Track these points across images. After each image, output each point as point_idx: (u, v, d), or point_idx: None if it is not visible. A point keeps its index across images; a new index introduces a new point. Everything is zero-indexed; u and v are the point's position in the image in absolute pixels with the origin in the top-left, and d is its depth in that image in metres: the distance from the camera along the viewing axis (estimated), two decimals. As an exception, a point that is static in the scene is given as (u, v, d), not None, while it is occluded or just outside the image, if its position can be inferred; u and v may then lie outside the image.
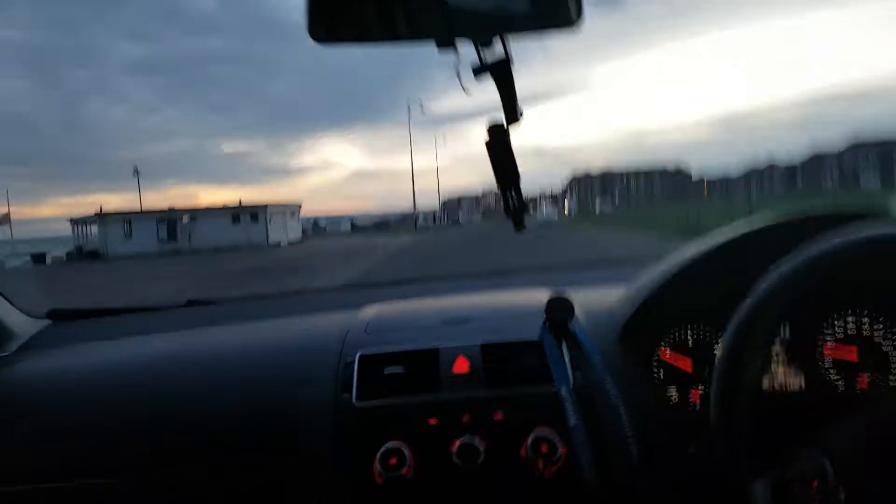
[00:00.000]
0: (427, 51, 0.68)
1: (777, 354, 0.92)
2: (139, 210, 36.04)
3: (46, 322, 1.29)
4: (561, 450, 0.83)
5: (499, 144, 0.75)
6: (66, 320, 1.33)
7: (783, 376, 0.92)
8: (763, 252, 0.75)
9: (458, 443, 0.84)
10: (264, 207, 34.66)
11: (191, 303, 1.41)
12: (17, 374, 1.05)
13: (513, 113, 0.74)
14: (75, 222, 35.45)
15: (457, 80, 0.70)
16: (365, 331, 1.01)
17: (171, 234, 32.70)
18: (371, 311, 1.09)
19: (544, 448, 0.84)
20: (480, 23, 0.69)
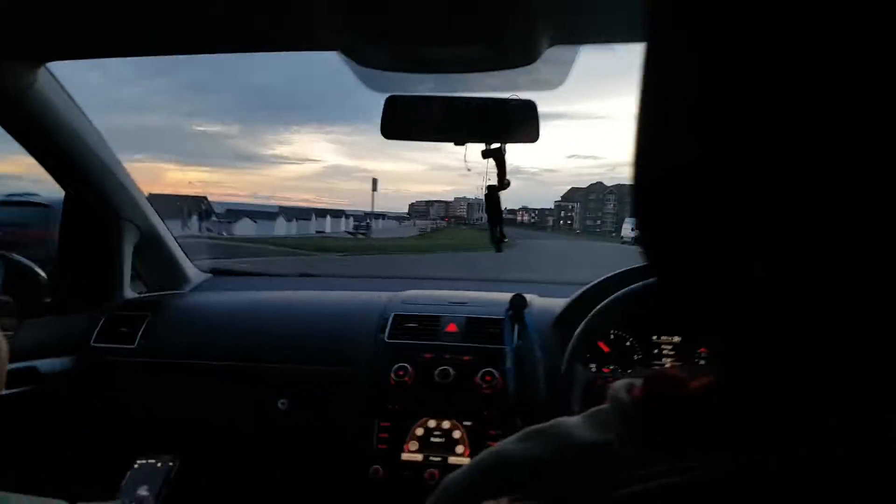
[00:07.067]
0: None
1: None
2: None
3: (209, 275, 1.89)
4: (498, 380, 1.27)
5: (492, 199, 1.08)
6: (222, 275, 1.93)
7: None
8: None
9: (439, 369, 1.29)
10: None
11: (302, 275, 2.15)
12: (189, 304, 1.61)
13: (503, 182, 1.04)
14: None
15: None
16: (401, 302, 1.51)
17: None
18: (407, 293, 1.57)
19: (488, 378, 1.27)
20: (489, 132, 1.02)
